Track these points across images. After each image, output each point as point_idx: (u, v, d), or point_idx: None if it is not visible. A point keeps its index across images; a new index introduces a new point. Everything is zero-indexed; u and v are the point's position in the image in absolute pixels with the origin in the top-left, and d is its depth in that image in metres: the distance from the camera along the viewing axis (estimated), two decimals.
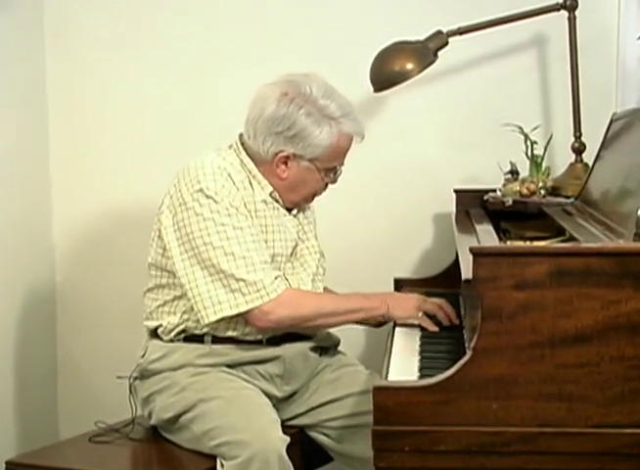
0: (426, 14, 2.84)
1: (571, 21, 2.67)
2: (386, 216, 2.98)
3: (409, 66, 2.62)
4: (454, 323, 2.26)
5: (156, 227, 2.26)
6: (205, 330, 2.22)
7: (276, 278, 2.17)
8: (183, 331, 2.25)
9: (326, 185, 2.31)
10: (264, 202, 2.25)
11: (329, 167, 2.26)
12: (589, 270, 1.69)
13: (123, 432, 2.29)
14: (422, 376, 1.88)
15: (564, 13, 2.67)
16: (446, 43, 2.67)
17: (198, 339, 2.24)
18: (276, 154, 2.22)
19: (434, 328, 2.24)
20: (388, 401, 1.72)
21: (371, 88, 2.69)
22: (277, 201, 2.28)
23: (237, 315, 2.15)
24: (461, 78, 2.90)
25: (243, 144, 2.28)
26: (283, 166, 2.23)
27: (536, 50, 2.88)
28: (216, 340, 2.23)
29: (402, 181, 2.96)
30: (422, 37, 2.67)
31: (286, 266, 2.28)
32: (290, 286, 2.25)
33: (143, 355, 2.30)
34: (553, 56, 2.85)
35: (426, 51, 2.65)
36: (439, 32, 2.67)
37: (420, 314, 2.27)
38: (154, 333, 2.30)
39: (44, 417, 3.08)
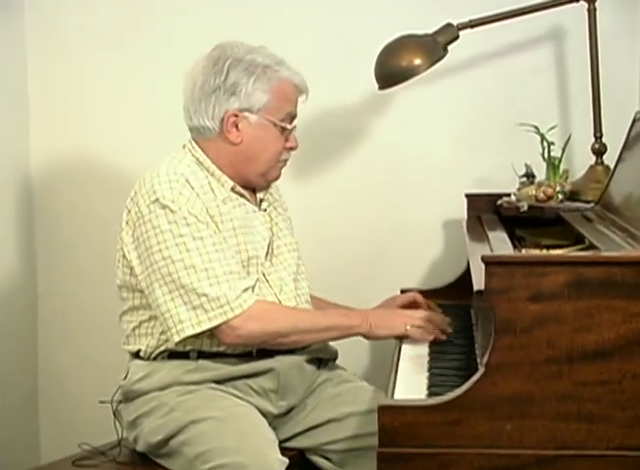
0: (435, 5, 2.85)
1: (591, 12, 2.67)
2: (391, 223, 2.99)
3: (417, 61, 2.62)
4: (447, 333, 2.30)
5: (118, 247, 2.27)
6: (188, 347, 2.22)
7: (245, 290, 2.17)
8: (165, 351, 2.25)
9: (287, 150, 2.32)
10: (229, 199, 2.26)
11: (282, 118, 2.27)
12: (610, 281, 1.69)
13: (110, 455, 2.29)
14: (431, 394, 1.89)
15: (583, 4, 2.67)
16: (457, 37, 2.67)
17: (183, 355, 2.24)
18: (222, 118, 2.24)
19: (426, 338, 2.26)
20: (395, 422, 1.72)
21: (376, 85, 2.69)
22: (242, 196, 2.30)
23: (202, 333, 2.16)
24: (472, 75, 2.91)
25: (195, 140, 2.30)
26: (234, 131, 2.26)
27: (554, 44, 2.88)
28: (203, 355, 2.24)
29: (409, 185, 2.96)
30: (431, 31, 2.67)
31: (265, 265, 2.29)
32: (270, 286, 2.27)
33: (125, 377, 2.29)
34: (571, 50, 2.86)
35: (435, 45, 2.65)
36: (449, 25, 2.67)
37: (408, 327, 2.28)
38: (135, 355, 2.30)
39: (24, 439, 3.07)
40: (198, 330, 2.14)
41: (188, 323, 2.14)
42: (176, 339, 2.16)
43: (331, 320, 2.27)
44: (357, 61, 2.80)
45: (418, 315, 2.34)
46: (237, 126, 2.26)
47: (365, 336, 2.29)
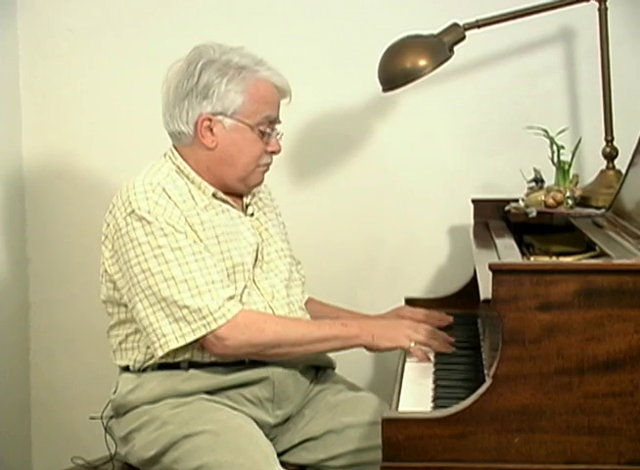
0: (440, 5, 2.86)
1: (602, 12, 2.67)
2: (395, 229, 2.99)
3: (422, 62, 2.62)
4: (449, 352, 2.27)
5: (101, 261, 2.28)
6: (179, 359, 2.22)
7: (229, 299, 2.17)
8: (155, 363, 2.25)
9: (268, 153, 2.31)
10: (211, 206, 2.26)
11: (259, 122, 2.26)
12: (622, 289, 1.69)
13: (103, 469, 2.29)
14: (436, 406, 1.89)
15: (594, 3, 2.68)
16: (463, 37, 2.67)
17: (173, 366, 2.24)
18: (196, 122, 2.24)
19: (427, 361, 2.22)
20: (399, 435, 1.72)
21: (379, 87, 2.69)
22: (225, 201, 2.30)
23: (186, 345, 2.16)
24: (479, 76, 2.91)
25: (175, 147, 2.31)
26: (209, 134, 2.25)
27: (563, 45, 2.89)
28: (194, 366, 2.24)
29: (413, 190, 2.97)
30: (436, 31, 2.68)
31: (255, 272, 2.29)
32: (261, 293, 2.27)
33: (115, 391, 2.29)
34: (582, 51, 2.86)
35: (440, 46, 2.65)
36: (455, 25, 2.67)
37: (412, 344, 2.25)
38: (125, 369, 2.31)
39: (15, 453, 3.07)
40: (182, 343, 2.15)
41: (172, 336, 2.14)
42: (160, 353, 2.16)
43: (327, 331, 2.24)
44: (360, 62, 2.81)
45: (422, 330, 2.30)
46: (211, 130, 2.25)
47: (367, 347, 2.27)
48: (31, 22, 3.03)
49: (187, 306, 2.13)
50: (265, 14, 2.95)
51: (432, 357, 2.24)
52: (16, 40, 3.03)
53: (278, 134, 2.32)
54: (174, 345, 2.15)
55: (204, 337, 2.15)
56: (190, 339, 2.14)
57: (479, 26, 2.67)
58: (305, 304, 2.46)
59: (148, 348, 2.22)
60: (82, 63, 3.04)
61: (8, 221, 3.01)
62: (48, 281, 3.12)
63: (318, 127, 2.95)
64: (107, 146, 3.04)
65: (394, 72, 2.64)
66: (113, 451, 2.29)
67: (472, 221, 2.80)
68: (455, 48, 2.68)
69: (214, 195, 2.28)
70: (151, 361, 2.24)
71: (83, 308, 3.08)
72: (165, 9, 2.99)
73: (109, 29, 3.01)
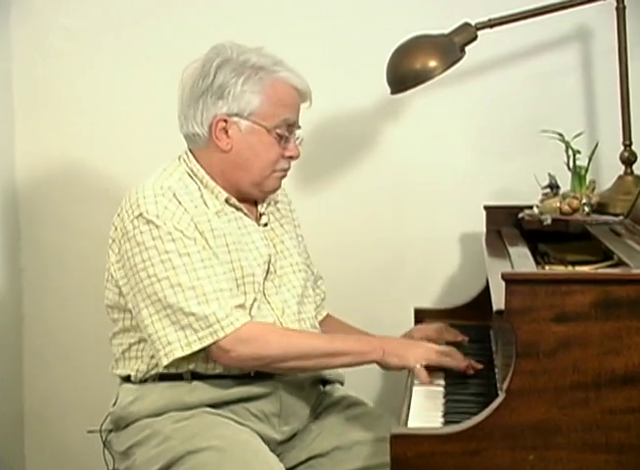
0: (452, 3, 2.86)
1: (620, 11, 2.68)
2: (404, 236, 2.99)
3: (432, 63, 2.62)
4: (470, 373, 2.21)
5: (107, 265, 2.28)
6: (181, 370, 2.22)
7: (236, 307, 2.16)
8: (157, 374, 2.25)
9: (286, 158, 2.30)
10: (223, 212, 2.26)
11: (276, 124, 2.26)
12: None
13: None
14: (447, 422, 1.89)
15: (611, 2, 2.68)
16: (475, 37, 2.68)
17: (176, 377, 2.24)
18: (211, 123, 2.24)
19: (428, 384, 2.15)
20: (409, 452, 1.73)
21: (388, 89, 2.70)
22: (238, 209, 2.30)
23: (192, 355, 2.16)
24: (492, 78, 2.92)
25: (190, 150, 2.31)
26: (224, 136, 2.25)
27: (579, 45, 2.89)
28: (197, 377, 2.24)
29: (424, 196, 2.97)
30: (447, 31, 2.68)
31: (266, 285, 2.28)
32: (272, 308, 2.26)
33: (115, 403, 2.29)
34: (598, 52, 2.87)
35: (451, 46, 2.65)
36: (467, 25, 2.68)
37: (418, 366, 2.19)
38: (126, 379, 2.31)
39: (9, 468, 3.07)
40: (188, 351, 2.15)
41: (177, 344, 2.14)
42: (165, 362, 2.16)
43: (338, 345, 2.23)
44: (370, 63, 2.81)
45: (435, 352, 2.23)
46: (227, 132, 2.26)
47: (379, 364, 2.24)
48: (26, 20, 3.04)
49: (193, 314, 2.13)
50: (268, 14, 2.96)
51: (441, 382, 2.17)
52: (9, 39, 3.04)
53: (297, 139, 2.32)
54: (179, 353, 2.15)
55: (210, 346, 2.15)
56: (196, 347, 2.14)
57: (491, 26, 2.68)
58: (322, 321, 2.47)
59: (152, 358, 2.22)
60: (79, 63, 3.04)
61: (1, 230, 3.02)
62: (42, 291, 3.12)
63: (325, 130, 2.96)
64: (104, 151, 3.05)
65: (404, 74, 2.65)
66: (111, 467, 2.29)
67: (484, 229, 2.80)
68: (467, 48, 2.68)
69: (227, 201, 2.28)
70: (153, 371, 2.24)
71: (78, 318, 3.09)
72: (165, 9, 3.00)
73: (106, 29, 3.03)
